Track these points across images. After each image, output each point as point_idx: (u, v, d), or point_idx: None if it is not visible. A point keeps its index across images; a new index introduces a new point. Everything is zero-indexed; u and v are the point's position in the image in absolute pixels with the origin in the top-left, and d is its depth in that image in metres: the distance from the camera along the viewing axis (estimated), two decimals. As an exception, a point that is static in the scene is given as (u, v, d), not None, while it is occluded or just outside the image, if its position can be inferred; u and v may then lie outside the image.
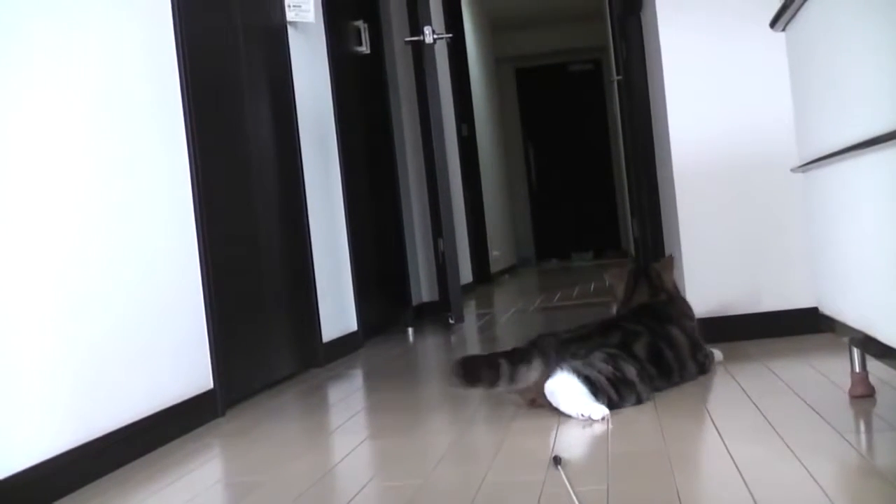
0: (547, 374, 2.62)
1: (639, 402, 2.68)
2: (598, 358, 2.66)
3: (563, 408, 2.58)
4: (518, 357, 2.66)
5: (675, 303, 3.13)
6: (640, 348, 2.78)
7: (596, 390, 2.58)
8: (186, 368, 3.08)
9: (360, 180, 5.29)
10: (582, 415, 2.55)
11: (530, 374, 2.66)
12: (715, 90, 3.75)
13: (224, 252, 3.46)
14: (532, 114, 13.12)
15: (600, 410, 2.54)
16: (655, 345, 2.82)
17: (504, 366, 2.64)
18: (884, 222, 1.84)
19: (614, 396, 2.61)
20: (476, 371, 2.67)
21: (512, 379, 2.64)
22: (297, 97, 4.32)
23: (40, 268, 2.36)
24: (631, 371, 2.69)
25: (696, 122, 3.76)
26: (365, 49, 5.55)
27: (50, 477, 2.31)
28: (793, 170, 2.67)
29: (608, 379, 2.62)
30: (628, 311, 3.07)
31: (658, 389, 2.81)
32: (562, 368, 2.59)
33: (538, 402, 2.71)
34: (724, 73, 3.75)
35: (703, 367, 3.05)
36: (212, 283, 3.27)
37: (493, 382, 2.65)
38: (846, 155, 2.02)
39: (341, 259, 4.75)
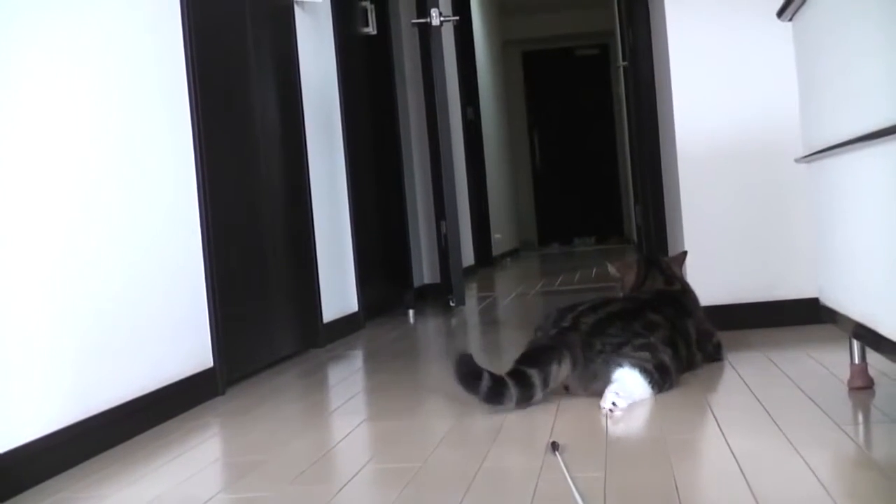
0: (579, 368, 2.63)
1: (671, 387, 2.71)
2: (637, 346, 2.67)
3: (627, 399, 2.57)
4: (547, 360, 2.62)
5: (688, 294, 3.12)
6: (658, 339, 2.77)
7: (652, 381, 2.62)
8: (187, 346, 3.09)
9: (364, 162, 5.28)
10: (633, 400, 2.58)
11: (561, 372, 2.63)
12: (721, 78, 3.75)
13: (226, 231, 3.46)
14: (538, 98, 13.09)
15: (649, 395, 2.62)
16: (673, 339, 2.81)
17: (535, 376, 2.61)
18: (886, 215, 1.83)
19: (662, 383, 2.66)
20: (503, 391, 2.61)
21: (546, 384, 2.61)
22: (303, 78, 4.32)
23: (44, 245, 2.37)
24: (666, 358, 2.71)
25: (701, 109, 3.75)
26: (371, 30, 5.54)
27: (51, 451, 2.32)
28: (797, 160, 2.67)
29: (654, 367, 2.65)
30: (650, 295, 3.02)
31: None
32: (621, 364, 2.61)
33: (571, 390, 2.71)
34: (731, 61, 3.74)
35: (713, 356, 3.06)
36: (213, 261, 3.28)
37: (530, 398, 2.62)
38: (851, 146, 2.02)
39: (343, 240, 4.75)
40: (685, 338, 2.89)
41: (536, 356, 2.63)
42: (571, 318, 2.74)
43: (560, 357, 2.60)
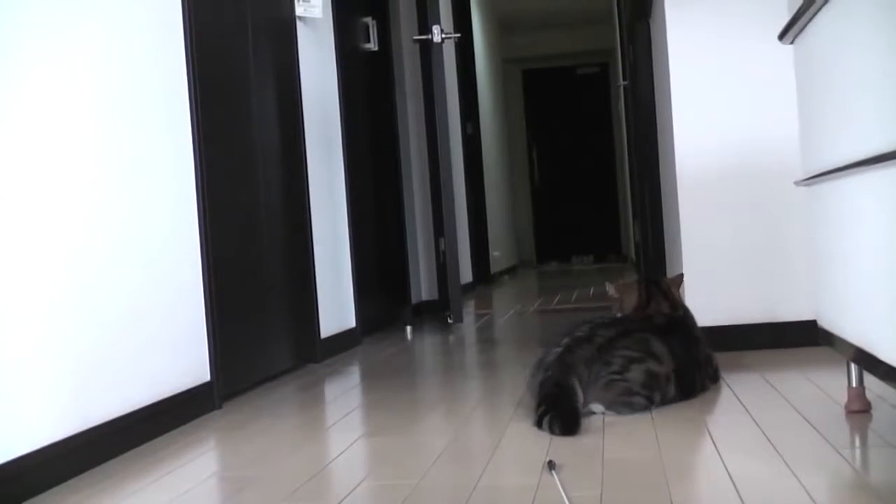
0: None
1: (665, 402, 2.76)
2: (623, 363, 2.72)
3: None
4: (567, 398, 2.66)
5: (690, 318, 3.12)
6: (667, 358, 2.79)
7: (633, 408, 2.70)
8: (184, 360, 3.09)
9: (363, 177, 5.29)
10: None
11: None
12: (721, 100, 3.75)
13: (225, 245, 3.46)
14: (537, 115, 13.12)
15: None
16: (689, 374, 2.85)
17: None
18: (885, 240, 1.84)
19: (646, 402, 2.72)
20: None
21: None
22: (304, 93, 4.32)
23: (45, 260, 2.36)
24: (653, 368, 2.74)
25: (701, 130, 3.76)
26: (373, 46, 5.55)
27: (47, 464, 2.32)
28: (796, 183, 2.67)
29: (641, 385, 2.71)
30: (661, 319, 3.01)
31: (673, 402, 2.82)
32: (596, 404, 2.70)
33: None
34: (731, 83, 3.75)
35: (714, 378, 3.06)
36: (212, 275, 3.28)
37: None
38: (849, 171, 2.02)
39: (342, 255, 4.75)
40: (697, 365, 2.90)
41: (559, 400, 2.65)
42: (589, 328, 2.81)
43: (575, 392, 2.65)
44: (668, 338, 2.83)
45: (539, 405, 2.61)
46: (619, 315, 3.06)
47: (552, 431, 2.51)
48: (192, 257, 3.18)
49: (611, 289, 3.19)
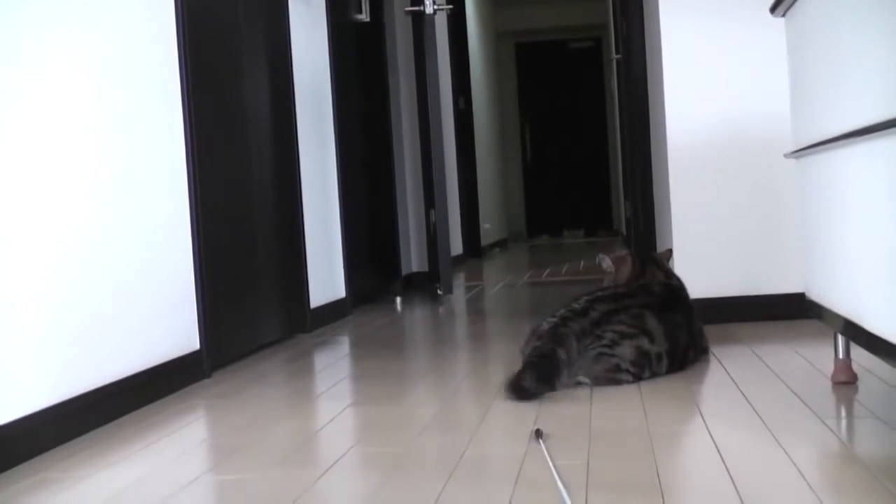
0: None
1: (653, 375, 2.77)
2: (614, 337, 2.73)
3: None
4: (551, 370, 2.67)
5: (685, 289, 3.13)
6: (661, 338, 2.80)
7: (619, 385, 2.70)
8: (174, 329, 3.09)
9: (354, 149, 5.28)
10: None
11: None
12: (713, 73, 3.75)
13: (216, 216, 3.46)
14: (530, 90, 13.10)
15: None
16: (683, 353, 2.86)
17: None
18: (873, 211, 1.84)
19: (633, 379, 2.73)
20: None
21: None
22: (295, 65, 4.31)
23: (36, 228, 2.36)
24: (644, 346, 2.75)
25: (693, 104, 3.76)
26: (365, 17, 5.53)
27: (34, 431, 2.32)
28: (786, 155, 2.68)
29: (630, 362, 2.72)
30: (659, 288, 3.01)
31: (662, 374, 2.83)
32: (584, 377, 2.71)
33: None
34: (723, 56, 3.75)
35: (705, 350, 3.07)
36: (202, 245, 3.28)
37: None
38: (839, 143, 2.03)
39: (332, 226, 4.75)
40: (691, 337, 2.90)
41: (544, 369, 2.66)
42: (586, 300, 2.82)
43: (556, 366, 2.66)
44: (666, 315, 2.83)
45: (518, 371, 2.63)
46: (617, 286, 3.04)
47: (507, 391, 2.59)
48: (182, 229, 3.17)
49: (604, 261, 3.18)
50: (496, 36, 12.48)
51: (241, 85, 3.75)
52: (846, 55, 1.98)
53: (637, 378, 2.72)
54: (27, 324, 2.32)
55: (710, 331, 3.37)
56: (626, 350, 2.71)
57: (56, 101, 2.50)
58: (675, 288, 3.03)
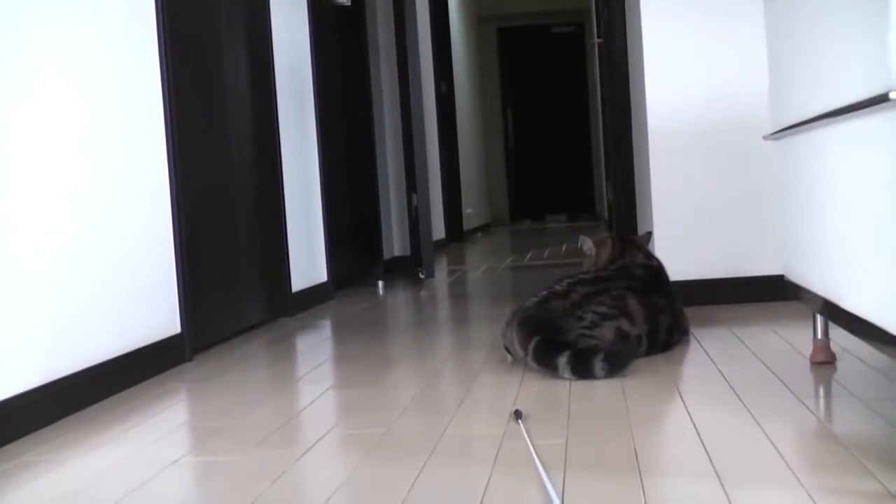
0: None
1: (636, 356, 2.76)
2: (594, 318, 2.74)
3: None
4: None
5: (664, 271, 3.13)
6: (640, 320, 2.80)
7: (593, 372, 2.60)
8: (155, 313, 3.08)
9: (335, 133, 5.27)
10: None
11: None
12: (693, 56, 3.76)
13: (196, 200, 3.45)
14: (512, 74, 13.08)
15: None
16: (656, 319, 2.85)
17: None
18: (850, 191, 1.85)
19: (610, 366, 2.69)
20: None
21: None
22: (275, 49, 4.30)
23: (20, 212, 2.35)
24: (624, 327, 2.76)
25: (673, 87, 3.77)
26: (346, 1, 5.51)
27: (14, 414, 2.32)
28: (765, 137, 2.69)
29: (610, 343, 2.70)
30: (638, 269, 3.02)
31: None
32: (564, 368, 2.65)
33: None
34: (704, 40, 3.76)
35: (685, 331, 3.08)
36: (183, 229, 3.27)
37: None
38: (816, 123, 2.03)
39: (314, 210, 4.75)
40: (673, 318, 2.91)
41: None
42: (568, 283, 2.83)
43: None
44: (647, 297, 2.84)
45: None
46: (598, 270, 3.04)
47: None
48: (163, 213, 3.17)
49: (586, 242, 3.18)
50: (478, 21, 12.47)
51: (221, 68, 3.74)
52: (824, 36, 1.99)
53: None
54: (9, 307, 2.32)
55: (690, 312, 3.38)
56: (606, 331, 2.72)
57: (34, 85, 2.48)
58: (656, 269, 3.04)
